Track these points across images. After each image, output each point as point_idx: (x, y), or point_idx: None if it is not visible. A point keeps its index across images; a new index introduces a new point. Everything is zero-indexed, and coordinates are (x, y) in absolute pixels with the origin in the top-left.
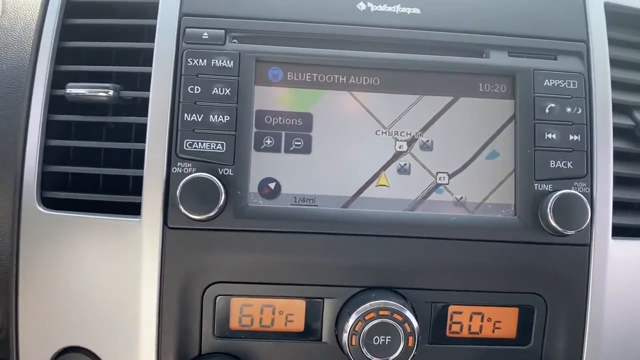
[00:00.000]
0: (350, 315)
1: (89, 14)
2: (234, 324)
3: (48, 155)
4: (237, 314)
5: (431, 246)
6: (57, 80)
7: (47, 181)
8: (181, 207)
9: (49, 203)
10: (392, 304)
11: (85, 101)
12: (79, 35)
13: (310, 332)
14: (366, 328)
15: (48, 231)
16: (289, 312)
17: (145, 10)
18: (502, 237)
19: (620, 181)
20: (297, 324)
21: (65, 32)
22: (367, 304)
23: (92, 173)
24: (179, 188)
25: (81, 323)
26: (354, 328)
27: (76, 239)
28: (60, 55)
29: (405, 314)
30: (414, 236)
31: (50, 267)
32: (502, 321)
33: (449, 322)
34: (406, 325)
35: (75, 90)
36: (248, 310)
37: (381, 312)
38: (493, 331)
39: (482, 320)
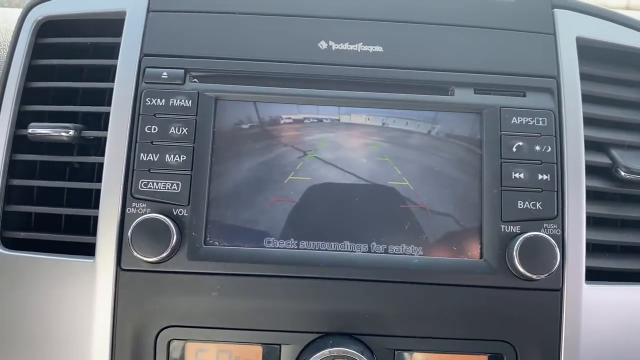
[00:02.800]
0: None
1: (56, 54)
2: None
3: (11, 194)
4: (191, 358)
5: (393, 290)
6: (23, 120)
7: (10, 220)
8: (133, 249)
9: (10, 243)
10: (349, 351)
11: (48, 141)
12: (45, 76)
13: None
14: None
15: (5, 271)
16: (246, 358)
17: (111, 50)
18: (468, 282)
19: (595, 222)
20: None
21: (31, 72)
22: (324, 351)
23: (50, 213)
24: (130, 230)
25: None
26: None
27: (31, 280)
28: (27, 95)
29: None
30: (374, 280)
31: (4, 309)
32: None
33: None
34: None
35: (37, 130)
36: (203, 356)
37: None
38: None
39: None
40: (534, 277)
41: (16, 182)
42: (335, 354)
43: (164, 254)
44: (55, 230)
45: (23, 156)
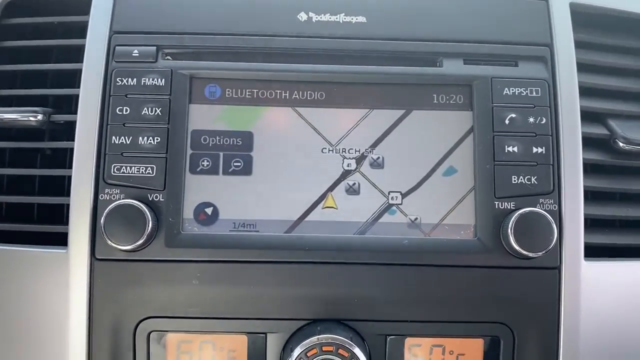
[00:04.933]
0: (292, 351)
1: (22, 36)
2: None
3: None
4: (174, 352)
5: (383, 273)
6: None
7: None
8: (106, 237)
9: None
10: (338, 338)
11: (17, 126)
12: (12, 59)
13: None
14: None
15: None
16: (231, 349)
17: (80, 29)
18: (461, 262)
19: (594, 196)
20: None
21: None
22: (312, 339)
23: (20, 202)
24: (103, 217)
25: None
26: None
27: (3, 273)
28: None
29: (352, 349)
30: (363, 262)
31: None
32: (466, 354)
33: (407, 356)
34: None
35: (4, 115)
36: (186, 347)
37: (325, 348)
38: None
39: (443, 354)
40: (531, 255)
41: None
42: (324, 341)
43: (140, 242)
44: (28, 220)
45: None
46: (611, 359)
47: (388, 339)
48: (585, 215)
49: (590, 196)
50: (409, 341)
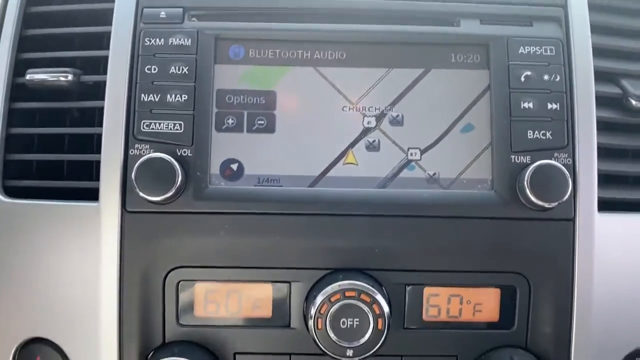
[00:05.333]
0: (315, 297)
1: (50, 1)
2: (198, 311)
3: (11, 143)
4: (201, 301)
5: (403, 225)
6: (20, 68)
7: (10, 170)
8: (137, 188)
9: (12, 192)
10: (360, 284)
11: (47, 87)
12: (41, 23)
13: (278, 317)
14: (332, 310)
15: (8, 220)
16: (256, 298)
17: None
18: (479, 213)
19: (608, 153)
20: (265, 310)
21: (27, 20)
22: (334, 285)
23: (51, 160)
24: (134, 169)
25: (42, 314)
26: (320, 311)
27: (36, 227)
28: (23, 43)
29: (374, 295)
30: (384, 214)
31: (10, 257)
32: (483, 303)
33: (425, 305)
34: (375, 306)
35: (35, 76)
36: (213, 297)
37: (347, 293)
38: (473, 314)
39: (461, 303)
40: (546, 205)
41: (16, 130)
42: (346, 287)
43: (169, 194)
44: (58, 178)
45: (22, 104)
46: (624, 310)
47: (407, 288)
48: (598, 170)
49: (604, 153)
50: (427, 291)
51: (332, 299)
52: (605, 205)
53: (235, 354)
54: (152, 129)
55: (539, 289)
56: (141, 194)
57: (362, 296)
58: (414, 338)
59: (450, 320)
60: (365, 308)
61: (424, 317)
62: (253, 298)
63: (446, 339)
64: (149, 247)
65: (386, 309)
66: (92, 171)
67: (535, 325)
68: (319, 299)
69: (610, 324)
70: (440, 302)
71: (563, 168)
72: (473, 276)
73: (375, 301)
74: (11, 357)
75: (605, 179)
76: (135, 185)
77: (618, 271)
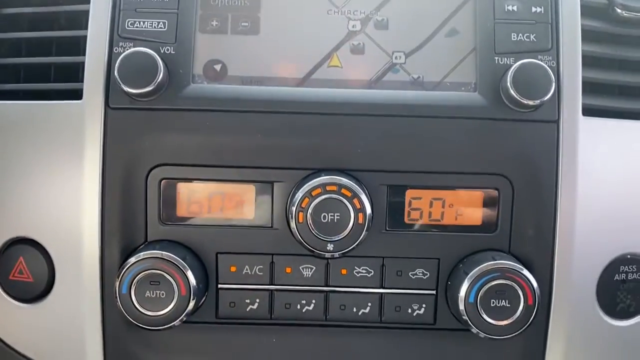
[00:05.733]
0: (296, 193)
1: None
2: (181, 211)
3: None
4: (184, 201)
5: (386, 124)
6: None
7: None
8: (119, 81)
9: None
10: (341, 179)
11: None
12: None
13: (261, 218)
14: (313, 204)
15: None
16: (239, 199)
17: None
18: (462, 114)
19: (594, 62)
20: (247, 211)
21: None
22: (314, 180)
23: (38, 63)
24: (117, 62)
25: (26, 213)
26: (301, 205)
27: (20, 127)
28: None
29: (355, 190)
30: (367, 114)
31: None
32: (465, 207)
33: (407, 208)
34: (355, 201)
35: None
36: (196, 197)
37: (328, 187)
38: (456, 218)
39: (443, 207)
40: (530, 102)
41: (3, 35)
42: (327, 182)
43: (151, 88)
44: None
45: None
46: (607, 214)
47: (389, 188)
48: (583, 78)
49: (590, 62)
50: (409, 193)
51: (314, 193)
52: (591, 112)
53: (217, 253)
54: (137, 27)
55: (522, 191)
56: (123, 86)
57: (343, 190)
58: (395, 240)
59: (433, 224)
60: (346, 202)
61: (406, 220)
62: (235, 199)
63: (428, 241)
64: (132, 144)
65: (367, 203)
66: (77, 76)
67: (519, 228)
68: (300, 193)
69: (594, 228)
70: (422, 206)
71: (546, 66)
72: (456, 178)
73: (356, 196)
74: None
75: (591, 88)
76: (118, 77)
77: (602, 176)
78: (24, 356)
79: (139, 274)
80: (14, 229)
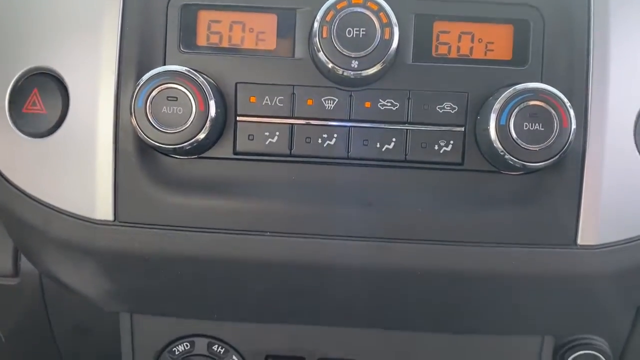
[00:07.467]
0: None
1: None
2: (201, 40)
3: None
4: (204, 30)
5: None
6: None
7: None
8: None
9: None
10: None
11: None
12: None
13: (283, 48)
14: (338, 17)
15: None
16: (260, 30)
17: None
18: None
19: None
20: (269, 42)
21: None
22: None
23: None
24: None
25: (43, 41)
26: (325, 18)
27: None
28: None
29: (381, 4)
30: None
31: None
32: (495, 42)
33: (435, 42)
34: (382, 14)
35: None
36: (216, 27)
37: (354, 1)
38: (485, 53)
39: (472, 41)
40: None
41: None
42: None
43: None
44: None
45: None
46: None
47: (416, 17)
48: None
49: None
50: (437, 26)
51: (338, 7)
52: None
53: (237, 83)
54: None
55: (553, 23)
56: None
57: (370, 4)
58: (422, 73)
59: (461, 57)
60: (372, 15)
61: (434, 53)
62: (257, 31)
63: (456, 74)
64: None
65: (393, 19)
66: None
67: (550, 62)
68: (324, 9)
69: (631, 63)
70: (451, 40)
71: None
72: (485, 8)
73: (383, 9)
74: (9, 89)
75: None
76: None
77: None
78: (28, 195)
79: (156, 87)
80: (30, 58)
